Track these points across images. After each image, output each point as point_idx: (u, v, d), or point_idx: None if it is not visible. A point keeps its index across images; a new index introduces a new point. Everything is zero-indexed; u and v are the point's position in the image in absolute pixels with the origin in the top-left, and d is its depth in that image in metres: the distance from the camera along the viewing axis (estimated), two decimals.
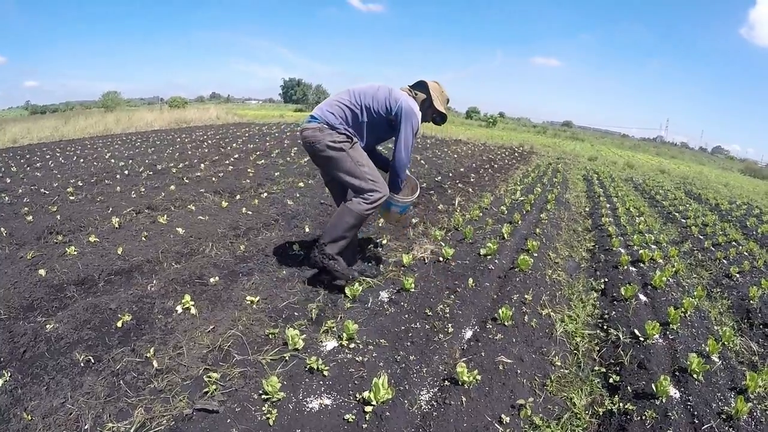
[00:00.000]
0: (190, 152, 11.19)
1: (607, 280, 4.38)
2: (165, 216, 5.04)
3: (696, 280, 5.02)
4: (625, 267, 4.58)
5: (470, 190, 8.67)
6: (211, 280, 3.44)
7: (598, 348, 3.20)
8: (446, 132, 24.71)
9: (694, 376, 2.63)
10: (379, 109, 3.21)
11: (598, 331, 3.43)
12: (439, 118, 3.56)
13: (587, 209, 8.44)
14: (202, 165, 8.98)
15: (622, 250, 5.29)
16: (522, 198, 7.81)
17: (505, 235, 5.07)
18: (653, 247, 5.74)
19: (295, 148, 12.29)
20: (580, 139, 47.21)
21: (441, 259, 4.27)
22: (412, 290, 3.51)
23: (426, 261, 4.31)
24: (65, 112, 35.45)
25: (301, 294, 3.40)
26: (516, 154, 18.45)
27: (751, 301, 4.25)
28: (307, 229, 5.00)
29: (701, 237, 7.01)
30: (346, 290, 3.36)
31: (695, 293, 4.12)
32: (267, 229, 4.98)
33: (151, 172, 8.17)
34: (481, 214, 6.30)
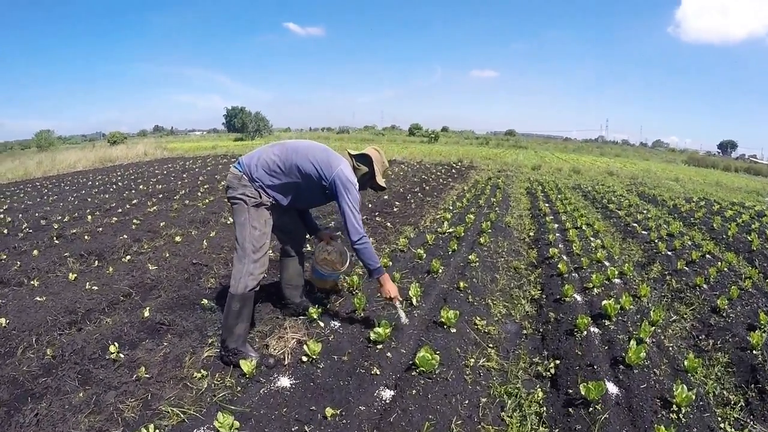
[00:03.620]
0: (89, 199, 10.48)
1: (559, 361, 3.13)
2: None
3: (678, 327, 3.94)
4: (584, 332, 3.36)
5: (388, 224, 7.42)
6: None
7: None
8: None
9: None
10: (311, 172, 3.08)
11: None
12: (378, 188, 3.50)
13: (532, 234, 7.35)
14: (90, 217, 8.17)
15: (578, 298, 4.13)
16: (450, 230, 6.59)
17: (414, 300, 3.77)
18: (617, 282, 4.65)
19: (207, 186, 12.03)
20: (523, 147, 48.30)
21: (305, 358, 2.94)
22: None
23: (285, 363, 2.99)
24: (2, 153, 36.13)
25: None
26: (453, 171, 17.61)
27: (754, 351, 3.36)
28: (146, 314, 3.72)
29: (670, 253, 6.14)
30: None
31: (686, 364, 2.97)
32: (109, 311, 4.02)
33: (31, 230, 7.37)
34: (390, 262, 4.98)
